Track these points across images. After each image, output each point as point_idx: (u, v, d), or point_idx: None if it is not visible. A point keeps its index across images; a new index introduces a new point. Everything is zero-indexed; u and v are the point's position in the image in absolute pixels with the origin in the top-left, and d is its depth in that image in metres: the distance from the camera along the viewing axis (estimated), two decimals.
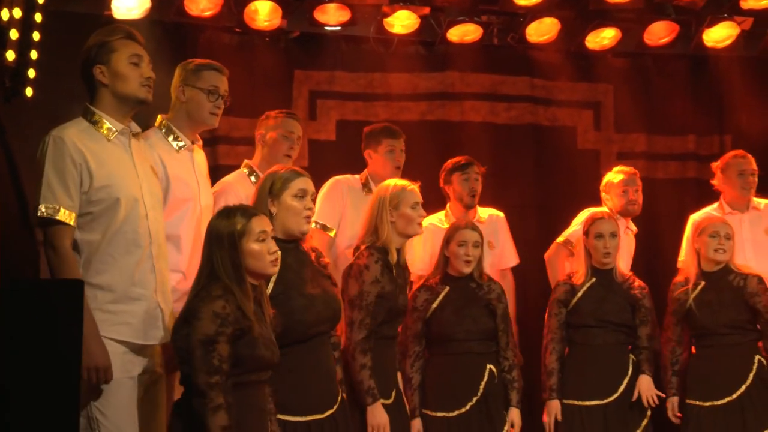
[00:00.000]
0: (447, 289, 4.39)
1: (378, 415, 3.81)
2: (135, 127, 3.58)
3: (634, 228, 5.32)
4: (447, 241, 4.42)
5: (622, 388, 4.52)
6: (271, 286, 3.47)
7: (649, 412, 4.54)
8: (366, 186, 4.87)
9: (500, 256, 5.22)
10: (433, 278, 4.43)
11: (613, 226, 4.66)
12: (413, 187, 4.10)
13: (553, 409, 4.53)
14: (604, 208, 5.13)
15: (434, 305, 4.35)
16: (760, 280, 4.67)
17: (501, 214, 5.24)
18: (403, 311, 4.11)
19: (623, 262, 5.01)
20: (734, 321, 4.59)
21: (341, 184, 4.83)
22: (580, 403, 4.52)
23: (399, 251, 4.11)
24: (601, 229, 4.62)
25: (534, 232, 5.91)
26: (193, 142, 4.03)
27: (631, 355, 4.61)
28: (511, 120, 6.23)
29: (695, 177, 6.39)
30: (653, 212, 6.00)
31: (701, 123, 6.46)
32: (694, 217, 5.26)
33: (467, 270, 4.37)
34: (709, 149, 6.38)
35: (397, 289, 4.04)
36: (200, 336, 3.08)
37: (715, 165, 5.36)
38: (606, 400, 4.51)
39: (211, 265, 3.21)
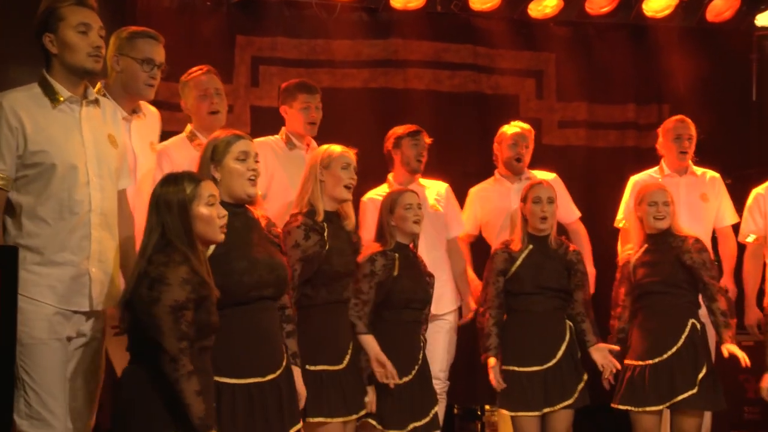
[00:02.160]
0: (397, 255, 4.36)
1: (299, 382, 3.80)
2: (92, 95, 3.58)
3: (551, 175, 5.27)
4: (391, 208, 4.39)
5: (560, 353, 4.56)
6: (212, 247, 3.45)
7: (585, 376, 4.59)
8: (290, 143, 4.81)
9: (448, 226, 5.18)
10: (385, 246, 4.37)
11: (550, 192, 4.69)
12: (348, 150, 4.10)
13: (493, 364, 4.54)
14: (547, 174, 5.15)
15: (395, 272, 4.31)
16: (697, 240, 4.71)
17: (445, 185, 5.20)
18: (344, 274, 4.05)
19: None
20: (671, 278, 4.61)
21: (264, 146, 4.66)
22: (521, 369, 4.55)
23: (339, 214, 4.11)
24: (539, 193, 4.64)
25: None
26: (134, 111, 3.99)
27: (568, 321, 4.65)
28: (454, 88, 6.20)
29: (634, 146, 6.46)
30: (593, 180, 6.12)
31: (641, 92, 6.50)
32: (635, 179, 5.36)
33: (418, 229, 4.36)
34: (648, 118, 6.43)
35: (334, 252, 4.01)
36: (170, 302, 3.07)
37: (659, 129, 5.42)
38: (545, 366, 4.54)
39: (161, 231, 3.19)
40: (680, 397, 4.55)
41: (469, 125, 6.22)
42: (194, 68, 4.54)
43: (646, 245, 4.67)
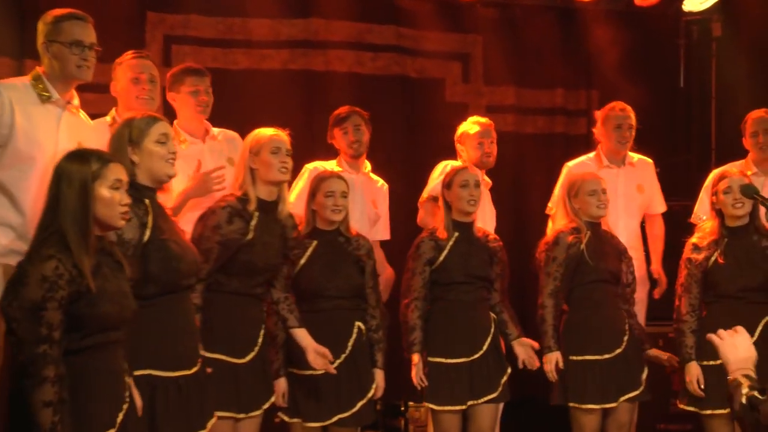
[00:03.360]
0: (315, 243, 4.34)
1: None
2: (76, 101, 3.89)
3: (488, 181, 5.30)
4: (313, 192, 4.38)
5: (486, 344, 4.54)
6: (148, 232, 3.43)
7: (509, 369, 4.59)
8: (181, 137, 4.62)
9: (377, 228, 5.17)
10: (306, 228, 4.38)
11: (476, 176, 4.68)
12: (278, 133, 4.06)
13: (417, 360, 4.49)
14: (458, 162, 5.14)
15: (303, 261, 4.30)
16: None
17: (385, 186, 5.18)
18: (262, 269, 4.03)
19: (487, 215, 5.08)
20: (616, 270, 4.66)
21: None
22: (448, 360, 4.51)
23: (273, 204, 4.06)
24: (466, 177, 4.62)
25: (401, 188, 5.82)
26: (68, 102, 3.96)
27: (491, 312, 4.66)
28: (377, 70, 6.18)
29: (563, 132, 6.49)
30: (522, 167, 6.13)
31: (569, 77, 6.54)
32: (570, 166, 5.34)
33: (337, 218, 4.33)
34: (577, 104, 6.49)
35: (257, 244, 3.99)
36: (26, 303, 2.94)
37: (598, 114, 5.39)
38: (472, 357, 4.51)
39: (56, 208, 3.08)
40: (632, 394, 4.62)
41: (393, 110, 6.19)
42: (131, 51, 4.50)
43: (589, 232, 4.66)
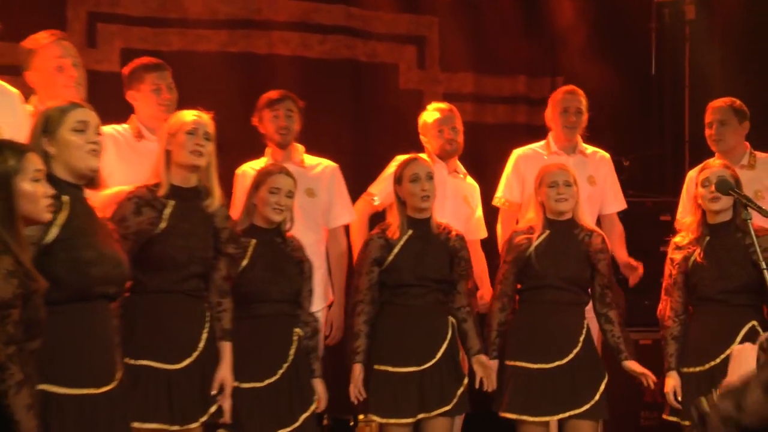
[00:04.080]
0: (254, 242, 4.24)
1: None
2: None
3: (461, 170, 5.23)
4: (256, 186, 4.27)
5: (440, 353, 4.45)
6: (54, 230, 3.27)
7: (465, 380, 4.52)
8: (139, 134, 4.59)
9: (330, 213, 5.03)
10: (239, 227, 4.26)
11: (428, 168, 4.55)
12: (200, 115, 3.96)
13: (356, 372, 4.43)
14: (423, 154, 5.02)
15: (244, 262, 4.20)
16: (603, 239, 4.64)
17: (334, 166, 5.05)
18: (185, 261, 3.88)
19: (459, 210, 4.99)
20: (575, 276, 4.58)
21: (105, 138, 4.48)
22: (395, 369, 4.42)
23: (192, 191, 3.94)
24: (416, 170, 4.50)
25: (350, 182, 5.55)
26: None
27: (450, 317, 4.55)
28: (325, 54, 6.09)
29: (526, 122, 6.39)
30: (481, 159, 5.93)
31: (533, 63, 6.49)
32: (518, 153, 5.29)
33: (278, 218, 4.24)
34: (541, 92, 6.34)
35: (173, 233, 3.87)
36: None
37: (549, 99, 5.37)
38: (423, 366, 4.42)
39: None
40: (585, 408, 4.52)
41: (342, 97, 6.11)
42: (41, 33, 4.28)
43: (548, 231, 4.58)
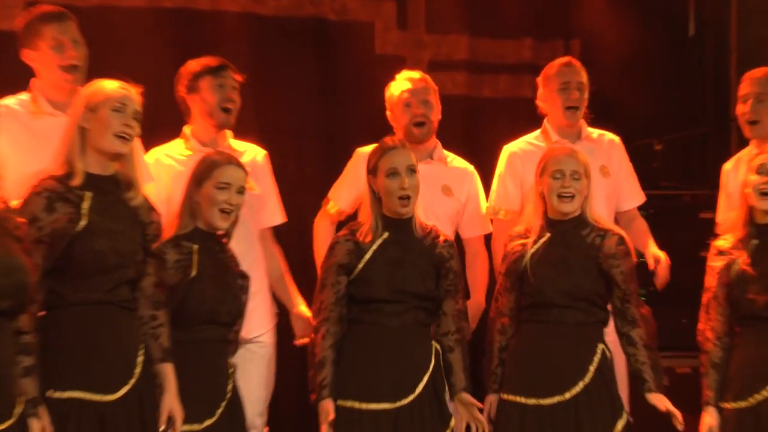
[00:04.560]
0: (197, 248, 4.00)
1: None
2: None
3: (444, 153, 4.91)
4: (199, 180, 4.03)
5: (420, 386, 4.13)
6: None
7: (453, 422, 4.21)
8: (40, 110, 4.35)
9: (263, 211, 4.83)
10: (179, 230, 4.07)
11: (409, 159, 4.22)
12: (127, 87, 3.76)
13: (326, 410, 4.14)
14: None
15: (193, 272, 3.99)
16: (621, 240, 4.26)
17: (263, 153, 4.83)
18: (116, 265, 3.69)
19: (425, 202, 4.58)
20: (580, 289, 4.23)
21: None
22: (364, 406, 4.11)
23: (119, 181, 3.77)
24: (394, 162, 4.17)
25: (314, 168, 5.45)
26: None
27: (434, 342, 4.25)
28: (282, 11, 5.72)
29: (532, 97, 5.67)
30: (476, 144, 5.61)
31: (541, 22, 6.13)
32: (509, 150, 4.95)
33: (225, 223, 4.03)
34: (551, 59, 5.57)
35: (95, 231, 3.67)
36: None
37: (539, 76, 5.02)
38: (398, 403, 4.10)
39: None
40: None
41: (304, 65, 5.70)
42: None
43: (548, 234, 4.28)
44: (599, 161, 4.88)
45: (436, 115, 4.82)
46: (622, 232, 4.37)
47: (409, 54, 5.88)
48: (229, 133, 4.67)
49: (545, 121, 4.94)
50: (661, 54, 6.09)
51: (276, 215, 4.80)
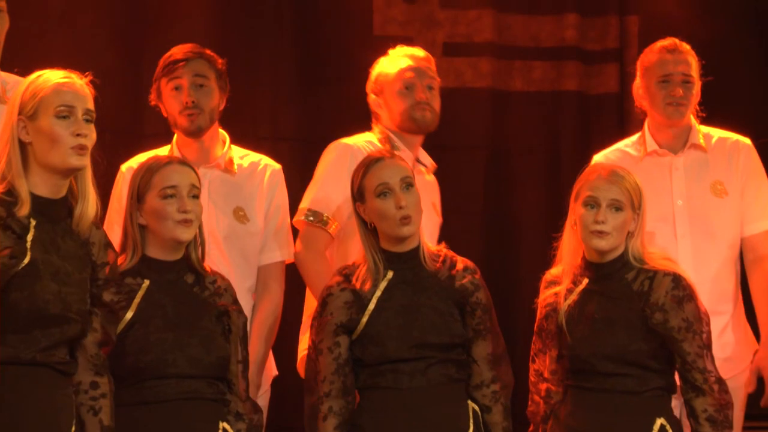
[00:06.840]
0: (146, 284, 3.72)
1: None
2: None
3: (429, 161, 4.51)
4: (138, 195, 3.79)
5: None
6: None
7: None
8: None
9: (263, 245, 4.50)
10: (126, 261, 3.77)
11: (402, 169, 3.89)
12: (71, 78, 3.41)
13: None
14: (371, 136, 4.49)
15: (129, 314, 3.74)
16: (676, 282, 3.81)
17: (277, 167, 4.47)
18: (58, 317, 3.41)
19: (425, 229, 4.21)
20: (625, 352, 3.86)
21: None
22: None
23: (61, 204, 3.53)
24: (383, 177, 3.85)
25: (300, 174, 4.86)
26: None
27: (471, 402, 3.89)
28: None
29: (577, 90, 5.41)
30: (504, 150, 5.21)
31: None
32: (596, 159, 4.50)
33: (186, 236, 3.71)
34: (602, 41, 5.42)
35: (43, 273, 3.42)
36: None
37: (638, 62, 4.45)
38: None
39: None
40: None
41: (280, 50, 5.23)
42: None
43: (586, 279, 3.92)
44: (712, 175, 4.43)
45: (438, 104, 4.38)
46: (678, 269, 3.86)
47: (417, 34, 5.32)
48: (225, 137, 4.31)
49: (645, 124, 4.40)
50: (745, 35, 5.44)
51: (281, 250, 4.39)
